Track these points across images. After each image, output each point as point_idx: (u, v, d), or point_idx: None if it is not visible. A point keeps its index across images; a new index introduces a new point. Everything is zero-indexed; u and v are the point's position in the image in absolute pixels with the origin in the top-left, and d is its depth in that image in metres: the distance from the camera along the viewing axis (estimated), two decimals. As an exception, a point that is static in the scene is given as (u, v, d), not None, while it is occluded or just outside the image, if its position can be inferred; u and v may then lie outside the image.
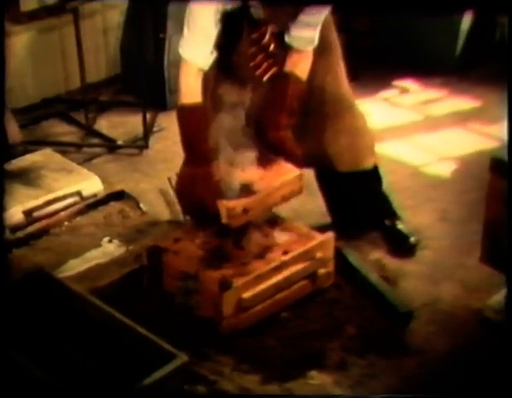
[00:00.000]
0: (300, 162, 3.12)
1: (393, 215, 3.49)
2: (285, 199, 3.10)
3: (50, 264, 3.23)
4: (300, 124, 3.18)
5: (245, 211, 2.96)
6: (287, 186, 3.08)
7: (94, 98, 4.67)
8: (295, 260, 3.07)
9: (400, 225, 3.47)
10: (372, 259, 3.37)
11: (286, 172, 3.10)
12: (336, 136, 3.29)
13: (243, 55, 3.07)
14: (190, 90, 2.95)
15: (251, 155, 3.04)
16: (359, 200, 3.46)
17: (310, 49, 3.08)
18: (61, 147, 4.21)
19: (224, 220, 2.95)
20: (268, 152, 3.11)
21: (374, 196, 3.47)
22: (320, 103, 3.24)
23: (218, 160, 3.01)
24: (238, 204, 2.95)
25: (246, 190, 3.00)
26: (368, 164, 3.38)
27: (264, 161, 3.09)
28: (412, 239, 3.43)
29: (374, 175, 3.43)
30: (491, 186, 2.86)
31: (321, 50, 3.14)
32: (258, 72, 3.07)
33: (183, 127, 2.99)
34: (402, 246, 3.42)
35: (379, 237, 3.49)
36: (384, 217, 3.49)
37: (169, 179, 3.82)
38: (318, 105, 3.24)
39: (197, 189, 2.96)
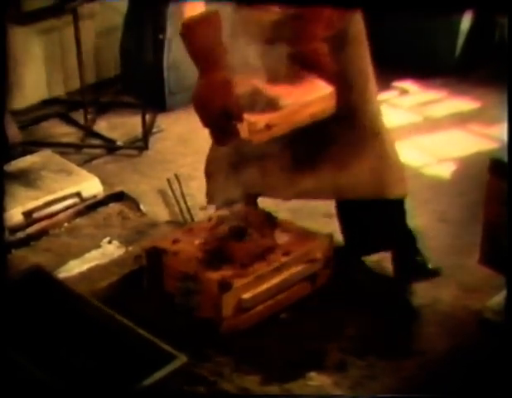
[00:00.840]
0: (333, 80, 2.81)
1: (414, 252, 3.26)
2: (314, 117, 2.81)
3: (49, 264, 3.23)
4: (317, 151, 3.01)
5: (268, 126, 2.73)
6: (317, 103, 2.80)
7: (94, 99, 4.68)
8: (295, 261, 3.07)
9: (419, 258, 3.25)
10: (371, 259, 3.37)
11: (317, 89, 2.81)
12: (357, 163, 3.02)
13: None
14: (192, 6, 2.71)
15: (279, 69, 2.80)
16: (378, 230, 3.23)
17: None
18: (61, 148, 4.21)
19: (244, 135, 2.73)
20: (300, 68, 2.82)
21: (394, 229, 3.23)
22: (342, 127, 2.97)
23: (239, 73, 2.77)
24: (261, 119, 2.72)
25: (271, 104, 2.76)
26: (392, 194, 3.09)
27: (294, 76, 2.81)
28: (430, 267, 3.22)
29: (398, 207, 3.18)
30: (490, 187, 2.87)
31: (352, 71, 2.95)
32: None
33: (193, 41, 2.71)
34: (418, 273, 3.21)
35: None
36: (403, 252, 3.26)
37: (168, 180, 3.83)
38: (340, 130, 2.98)
39: (217, 95, 2.70)
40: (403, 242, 3.24)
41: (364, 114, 3.01)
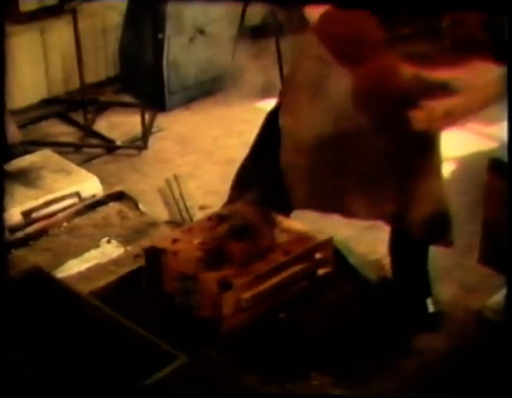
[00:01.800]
0: (497, 57, 2.52)
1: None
2: (489, 103, 2.57)
3: (49, 264, 3.23)
4: (390, 178, 2.90)
5: (447, 113, 2.49)
6: (491, 85, 2.51)
7: (93, 98, 4.67)
8: (294, 261, 3.07)
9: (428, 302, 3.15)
10: (371, 259, 3.37)
11: (485, 70, 2.52)
12: (421, 201, 2.89)
13: None
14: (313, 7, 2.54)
15: (431, 54, 2.55)
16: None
17: None
18: (60, 147, 4.21)
19: (420, 124, 2.49)
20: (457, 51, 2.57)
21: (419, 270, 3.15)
22: (413, 156, 2.85)
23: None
24: (440, 104, 2.46)
25: (444, 88, 2.48)
26: (442, 242, 3.01)
27: (449, 60, 2.54)
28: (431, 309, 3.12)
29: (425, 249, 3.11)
30: (490, 186, 2.87)
31: None
32: None
33: (336, 33, 2.55)
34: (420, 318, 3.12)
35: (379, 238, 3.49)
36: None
37: (167, 181, 3.83)
38: (411, 158, 2.86)
39: (390, 81, 2.49)
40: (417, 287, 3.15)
41: (434, 145, 2.89)
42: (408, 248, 3.11)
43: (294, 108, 2.93)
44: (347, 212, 3.05)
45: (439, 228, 2.98)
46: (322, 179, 2.97)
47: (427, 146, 2.86)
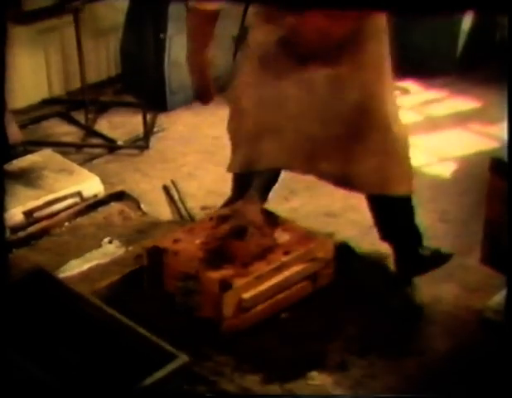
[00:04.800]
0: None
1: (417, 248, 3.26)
2: None
3: (50, 264, 3.23)
4: (331, 137, 3.03)
5: None
6: None
7: (95, 98, 4.68)
8: (295, 261, 3.07)
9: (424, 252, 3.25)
10: (371, 259, 3.37)
11: None
12: (365, 156, 3.03)
13: None
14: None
15: None
16: (384, 224, 3.25)
17: None
18: (61, 147, 4.21)
19: None
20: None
21: (398, 226, 3.23)
22: (354, 119, 3.01)
23: None
24: None
25: None
26: (396, 192, 3.08)
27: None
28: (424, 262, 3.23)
29: (404, 204, 3.16)
30: (491, 186, 2.86)
31: (365, 64, 2.97)
32: None
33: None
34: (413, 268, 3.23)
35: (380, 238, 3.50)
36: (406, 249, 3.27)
37: (165, 187, 3.84)
38: (351, 122, 3.02)
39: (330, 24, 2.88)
40: (407, 239, 3.24)
41: (376, 106, 3.02)
42: (384, 204, 3.17)
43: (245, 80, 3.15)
44: (290, 167, 3.20)
45: (391, 179, 3.05)
46: (265, 139, 3.08)
47: (368, 102, 3.00)
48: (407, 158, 3.10)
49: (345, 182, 3.10)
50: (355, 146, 3.03)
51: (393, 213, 3.19)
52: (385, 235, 3.26)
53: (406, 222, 3.20)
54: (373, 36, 2.98)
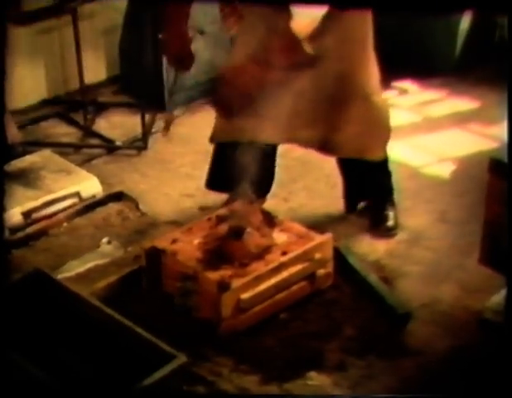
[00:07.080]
0: None
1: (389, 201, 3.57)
2: None
3: (48, 265, 3.23)
4: (313, 107, 3.21)
5: None
6: None
7: (93, 99, 4.68)
8: (294, 261, 3.07)
9: (389, 212, 3.54)
10: (371, 259, 3.37)
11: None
12: (347, 124, 3.25)
13: None
14: None
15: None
16: (364, 186, 3.56)
17: None
18: (60, 148, 4.21)
19: None
20: None
21: (379, 187, 3.55)
22: (337, 89, 3.21)
23: None
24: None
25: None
26: (373, 156, 3.37)
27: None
28: (390, 223, 3.51)
29: (381, 168, 3.47)
30: (490, 186, 2.86)
31: (349, 38, 3.15)
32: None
33: None
34: (379, 227, 3.51)
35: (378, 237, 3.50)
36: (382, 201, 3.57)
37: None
38: (335, 91, 3.21)
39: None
40: (381, 196, 3.55)
41: (357, 77, 3.23)
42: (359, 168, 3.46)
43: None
44: (273, 139, 3.34)
45: (369, 146, 3.34)
46: (248, 111, 3.20)
47: (351, 72, 3.21)
48: (385, 126, 3.37)
49: (326, 147, 3.33)
50: (337, 114, 3.24)
51: (367, 176, 3.48)
52: (356, 197, 3.58)
53: (379, 183, 3.52)
54: (357, 14, 3.16)
